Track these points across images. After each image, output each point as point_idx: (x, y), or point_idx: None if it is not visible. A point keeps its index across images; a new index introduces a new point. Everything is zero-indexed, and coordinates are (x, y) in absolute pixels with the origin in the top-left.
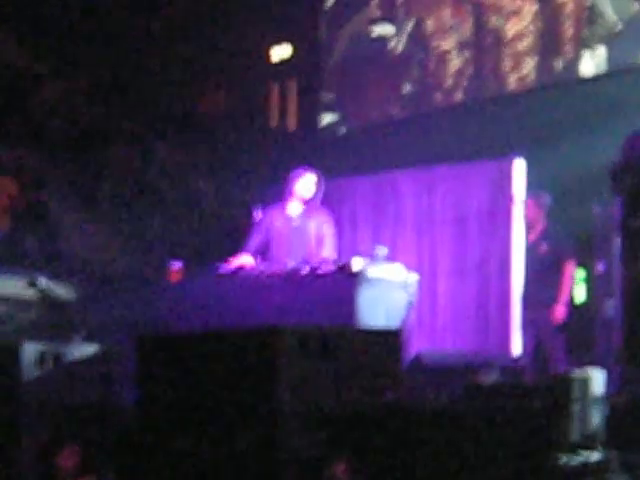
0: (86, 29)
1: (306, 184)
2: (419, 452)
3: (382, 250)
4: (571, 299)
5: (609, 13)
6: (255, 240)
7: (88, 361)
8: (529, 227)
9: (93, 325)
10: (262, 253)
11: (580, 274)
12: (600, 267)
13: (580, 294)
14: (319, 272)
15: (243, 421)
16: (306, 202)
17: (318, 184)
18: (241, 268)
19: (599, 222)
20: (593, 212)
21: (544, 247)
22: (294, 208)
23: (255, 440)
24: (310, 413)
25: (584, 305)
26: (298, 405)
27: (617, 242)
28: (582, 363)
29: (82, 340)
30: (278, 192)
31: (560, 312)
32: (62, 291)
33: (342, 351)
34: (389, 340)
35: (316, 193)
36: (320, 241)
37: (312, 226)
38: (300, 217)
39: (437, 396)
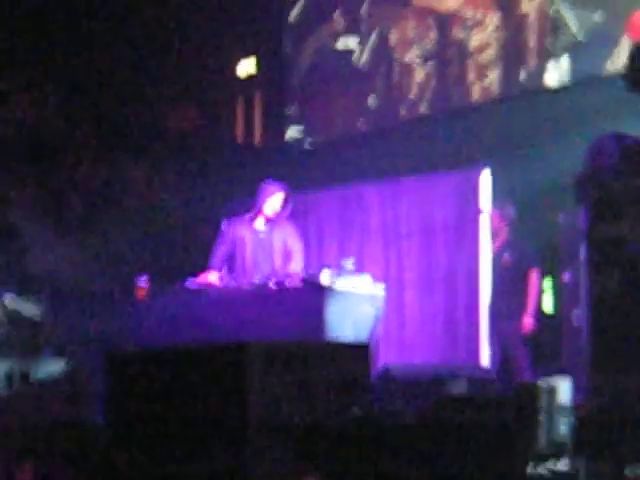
0: (53, 43)
1: (274, 202)
2: (389, 465)
3: (349, 262)
4: (539, 309)
5: (571, 24)
6: (221, 252)
7: (56, 378)
8: (492, 238)
9: (61, 342)
10: (228, 265)
11: (547, 284)
12: (567, 277)
13: (548, 304)
14: (286, 286)
15: (213, 436)
16: (270, 219)
17: (286, 201)
18: (209, 284)
19: (565, 232)
20: (559, 221)
21: (507, 257)
22: (260, 222)
23: (225, 455)
24: (279, 427)
25: (552, 315)
26: (267, 419)
27: (583, 252)
28: (550, 372)
29: (50, 357)
30: (245, 206)
31: (528, 323)
32: (29, 308)
33: (310, 365)
34: (357, 353)
35: (283, 209)
36: (287, 255)
37: (278, 239)
38: (265, 231)
39: (406, 409)
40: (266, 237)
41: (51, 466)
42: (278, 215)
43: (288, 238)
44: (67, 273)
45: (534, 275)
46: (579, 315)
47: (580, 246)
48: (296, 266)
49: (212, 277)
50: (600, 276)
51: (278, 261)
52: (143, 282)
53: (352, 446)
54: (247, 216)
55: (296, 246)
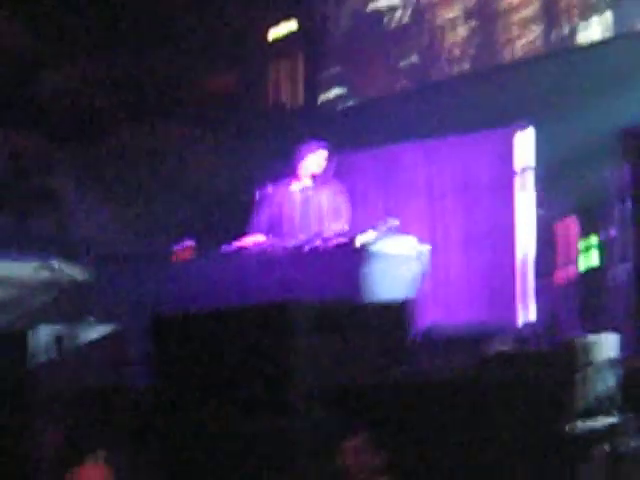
0: (91, 12)
1: (317, 160)
2: (434, 423)
3: (393, 222)
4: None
5: None
6: (262, 216)
7: (103, 342)
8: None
9: (107, 306)
10: (273, 228)
11: (592, 240)
12: (612, 232)
13: (593, 259)
14: (326, 247)
15: (258, 397)
16: (316, 176)
17: (329, 159)
18: (246, 247)
19: (611, 187)
20: (604, 177)
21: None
22: (305, 182)
23: (271, 416)
24: (324, 387)
25: (597, 270)
26: (311, 379)
27: (628, 207)
28: (596, 328)
29: (96, 321)
30: (287, 168)
31: (570, 271)
32: (75, 272)
33: (352, 325)
34: (398, 312)
35: (327, 168)
36: (335, 213)
37: (324, 199)
38: (311, 190)
39: (450, 367)
40: (312, 196)
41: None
42: (324, 173)
43: (335, 196)
44: (111, 237)
45: (571, 224)
46: (625, 270)
47: (626, 201)
48: (342, 225)
49: (257, 238)
50: None
51: (327, 219)
52: (187, 244)
53: (397, 405)
54: (290, 178)
55: (344, 205)
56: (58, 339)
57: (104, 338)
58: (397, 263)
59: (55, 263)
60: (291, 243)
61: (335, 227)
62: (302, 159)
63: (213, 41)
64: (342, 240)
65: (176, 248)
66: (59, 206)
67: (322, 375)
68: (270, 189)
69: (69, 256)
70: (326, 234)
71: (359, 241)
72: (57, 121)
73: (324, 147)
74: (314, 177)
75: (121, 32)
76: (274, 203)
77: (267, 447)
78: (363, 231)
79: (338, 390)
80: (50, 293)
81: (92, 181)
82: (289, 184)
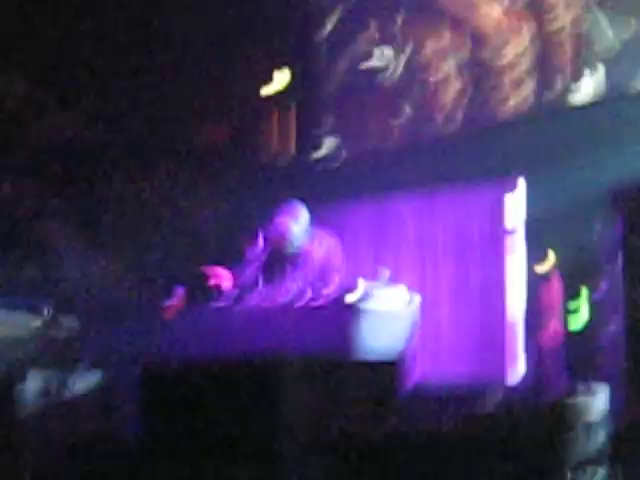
0: (87, 59)
1: (300, 221)
2: (422, 479)
3: (384, 273)
4: (570, 320)
5: (608, 34)
6: (252, 264)
7: (92, 391)
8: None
9: (96, 355)
10: (263, 281)
11: (582, 295)
12: (603, 287)
13: (583, 315)
14: (318, 304)
15: (247, 451)
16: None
17: (296, 225)
18: (240, 299)
19: (601, 244)
20: (594, 234)
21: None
22: (290, 241)
23: (258, 471)
24: (311, 442)
25: (586, 326)
26: (300, 434)
27: (619, 262)
28: (586, 383)
29: (86, 370)
30: (276, 223)
31: (555, 332)
32: (67, 321)
33: (342, 382)
34: (388, 371)
35: (297, 238)
36: (326, 268)
37: (314, 254)
38: (300, 246)
39: (439, 424)
40: (300, 251)
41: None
42: (298, 245)
43: (326, 251)
44: (102, 285)
45: (556, 282)
46: (616, 327)
47: (616, 257)
48: (332, 282)
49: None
50: (636, 286)
51: (315, 275)
52: (176, 297)
53: (383, 461)
54: (277, 234)
55: (336, 262)
56: (47, 387)
57: (93, 387)
58: (388, 319)
59: (44, 310)
60: (282, 298)
61: (325, 284)
62: (273, 235)
63: (208, 92)
64: (333, 296)
65: (167, 304)
66: (51, 254)
67: (310, 430)
68: (261, 242)
69: (60, 305)
70: (316, 290)
71: (350, 298)
72: (50, 168)
73: (301, 207)
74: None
75: (116, 82)
76: (262, 254)
77: None
78: (354, 284)
79: (325, 445)
80: (40, 341)
81: (84, 229)
82: (279, 239)
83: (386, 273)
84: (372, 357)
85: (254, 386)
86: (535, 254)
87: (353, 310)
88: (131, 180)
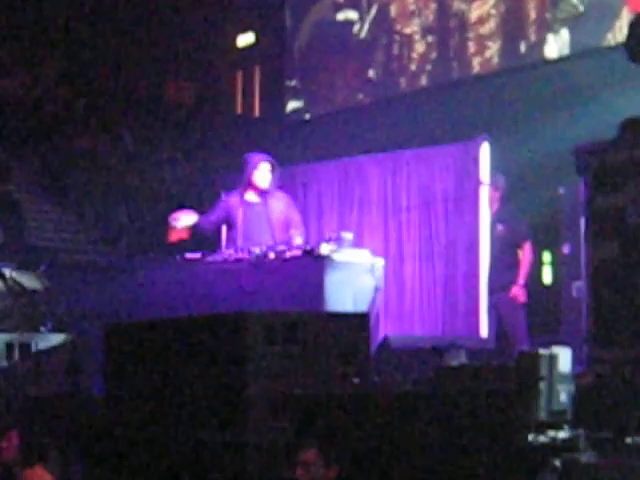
0: (51, 18)
1: (261, 174)
2: (389, 435)
3: (348, 235)
4: (537, 280)
5: None
6: (212, 216)
7: (55, 351)
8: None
9: (60, 315)
10: (226, 237)
11: (547, 256)
12: (566, 249)
13: (547, 276)
14: (286, 257)
15: (211, 408)
16: (264, 189)
17: (273, 171)
18: (206, 254)
19: (565, 204)
20: (559, 194)
21: (500, 228)
22: (252, 194)
23: (224, 427)
24: (279, 399)
25: (550, 287)
26: (267, 391)
27: (583, 223)
28: (549, 344)
29: (49, 330)
30: (241, 178)
31: (519, 293)
32: (29, 281)
33: (309, 335)
34: (356, 323)
35: (272, 180)
36: (285, 225)
37: (274, 210)
38: (260, 202)
39: (405, 379)
40: (262, 208)
41: (37, 436)
42: (270, 186)
43: (285, 209)
44: (67, 246)
45: (527, 247)
46: (579, 287)
47: (580, 218)
48: (296, 237)
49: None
50: (599, 247)
51: (277, 232)
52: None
53: (351, 416)
54: (239, 190)
55: (295, 217)
56: (9, 347)
57: (56, 347)
58: (357, 273)
59: (7, 271)
60: (249, 253)
61: (287, 239)
62: (249, 173)
63: (175, 50)
64: (305, 249)
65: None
66: (14, 213)
67: (276, 386)
68: (224, 197)
69: (23, 264)
70: (279, 246)
71: (321, 251)
72: (13, 128)
73: (266, 160)
74: (261, 192)
75: (82, 39)
76: (223, 210)
77: (220, 458)
78: (317, 244)
79: (291, 401)
80: (2, 301)
81: (48, 188)
82: (240, 194)
83: (349, 235)
84: (340, 309)
85: (221, 341)
86: (501, 212)
87: (318, 262)
88: (97, 139)
